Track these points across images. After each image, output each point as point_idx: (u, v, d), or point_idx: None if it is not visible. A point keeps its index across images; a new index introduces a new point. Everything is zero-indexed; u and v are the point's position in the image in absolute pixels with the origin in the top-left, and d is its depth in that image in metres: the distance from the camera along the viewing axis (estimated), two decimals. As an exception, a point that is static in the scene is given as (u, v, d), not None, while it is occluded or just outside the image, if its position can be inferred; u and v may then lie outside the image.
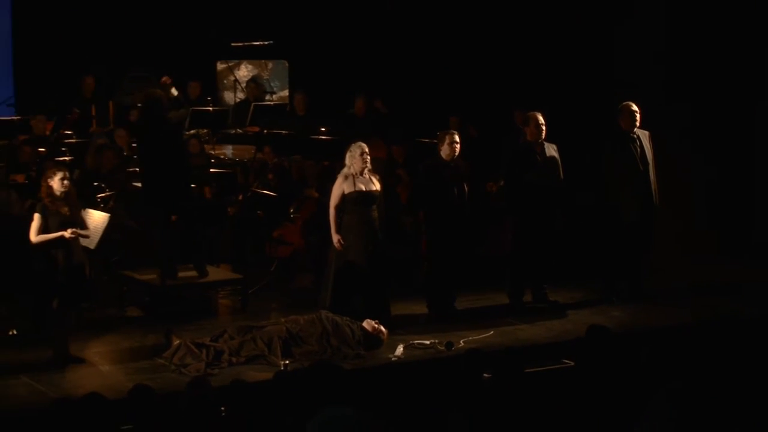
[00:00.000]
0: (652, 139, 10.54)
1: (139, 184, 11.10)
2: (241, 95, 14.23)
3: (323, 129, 12.70)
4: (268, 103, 14.06)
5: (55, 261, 8.79)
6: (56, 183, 8.79)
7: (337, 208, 9.70)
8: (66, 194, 8.84)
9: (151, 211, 10.57)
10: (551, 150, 10.36)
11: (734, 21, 12.23)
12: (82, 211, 9.15)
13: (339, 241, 9.65)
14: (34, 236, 8.77)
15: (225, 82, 14.51)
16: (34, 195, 9.60)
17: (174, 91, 10.75)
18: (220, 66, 14.70)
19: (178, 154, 10.70)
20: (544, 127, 10.26)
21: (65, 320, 9.00)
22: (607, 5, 12.54)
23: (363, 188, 9.71)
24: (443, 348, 9.21)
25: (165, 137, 10.51)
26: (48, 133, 12.64)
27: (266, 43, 14.21)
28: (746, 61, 12.38)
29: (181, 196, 10.52)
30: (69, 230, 8.76)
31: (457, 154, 10.09)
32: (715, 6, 12.18)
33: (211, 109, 13.00)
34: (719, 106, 12.38)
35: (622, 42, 12.60)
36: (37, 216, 8.77)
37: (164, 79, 10.82)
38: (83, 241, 8.97)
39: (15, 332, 9.55)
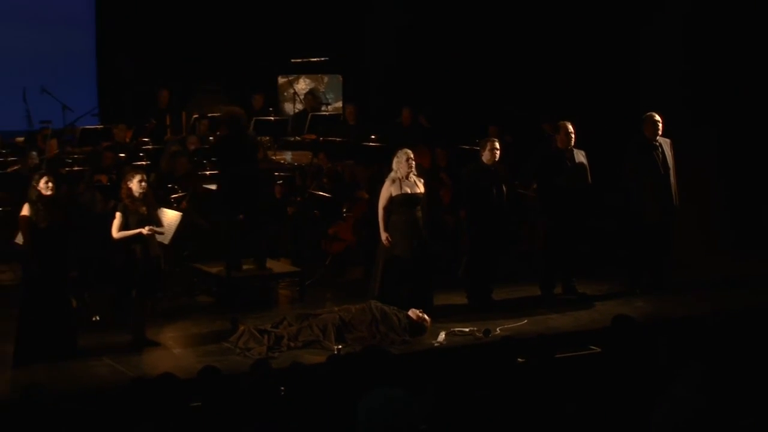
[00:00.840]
0: (673, 146, 10.44)
1: (212, 187, 11.23)
2: (299, 106, 14.27)
3: (373, 137, 12.69)
4: (324, 113, 14.09)
5: (134, 255, 8.88)
6: (135, 185, 8.88)
7: (385, 208, 9.69)
8: (144, 195, 8.92)
9: (225, 211, 10.60)
10: (580, 156, 10.32)
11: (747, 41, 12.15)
12: (158, 210, 9.23)
13: (387, 238, 9.66)
14: (115, 232, 8.87)
15: (285, 94, 14.56)
16: (116, 195, 9.69)
17: None
18: (281, 80, 14.75)
19: (252, 163, 10.85)
20: (573, 135, 10.24)
21: (142, 308, 9.10)
22: (633, 28, 12.47)
23: (408, 191, 9.71)
24: (481, 335, 9.19)
25: (244, 148, 10.64)
26: (128, 140, 12.75)
27: (322, 59, 14.23)
28: (759, 78, 12.27)
29: (252, 199, 10.62)
30: (146, 227, 8.85)
31: (497, 159, 10.08)
32: (731, 29, 12.09)
33: (272, 118, 13.05)
34: (737, 120, 12.27)
35: (646, 54, 12.55)
36: (118, 214, 8.87)
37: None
38: (158, 237, 9.05)
39: (98, 318, 9.63)
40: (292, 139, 13.34)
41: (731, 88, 12.16)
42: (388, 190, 9.70)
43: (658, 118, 10.35)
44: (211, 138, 12.88)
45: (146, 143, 12.75)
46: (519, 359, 6.76)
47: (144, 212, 8.92)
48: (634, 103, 11.69)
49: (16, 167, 11.65)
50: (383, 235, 9.69)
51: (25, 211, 8.62)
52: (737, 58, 12.14)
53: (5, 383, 8.14)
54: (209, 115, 13.48)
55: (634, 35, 12.50)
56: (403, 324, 9.22)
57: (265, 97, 13.87)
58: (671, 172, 10.38)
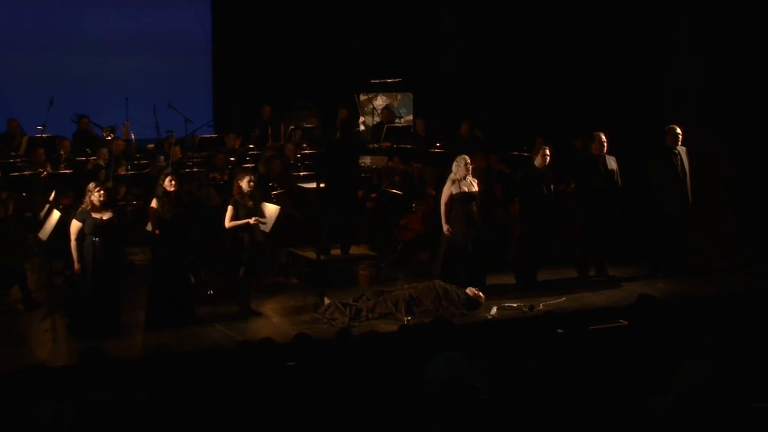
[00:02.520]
0: (690, 153, 10.29)
1: (306, 185, 11.28)
2: (377, 119, 14.27)
3: (437, 144, 12.67)
4: (397, 125, 14.07)
5: (242, 241, 8.97)
6: (244, 184, 8.97)
7: (447, 204, 9.66)
8: (251, 192, 9.02)
9: (328, 204, 10.61)
10: (611, 161, 10.21)
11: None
12: (261, 204, 9.32)
13: (448, 229, 9.64)
14: (228, 223, 8.95)
15: (365, 109, 14.58)
16: (227, 192, 9.80)
17: None
18: (362, 97, 14.76)
19: (355, 166, 11.00)
20: (606, 143, 10.15)
21: (248, 284, 9.19)
22: (660, 54, 12.28)
23: (466, 190, 9.68)
24: (527, 309, 9.13)
25: (353, 149, 10.80)
26: (237, 146, 12.84)
27: (396, 80, 14.25)
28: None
29: (351, 197, 10.70)
30: (253, 218, 8.93)
31: (547, 163, 10.00)
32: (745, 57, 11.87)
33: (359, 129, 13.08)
34: (746, 131, 12.03)
35: (671, 76, 12.37)
36: (230, 208, 8.96)
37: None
38: (261, 226, 9.12)
39: (211, 292, 9.73)
40: (371, 146, 13.36)
41: (742, 103, 11.92)
42: (449, 189, 9.67)
43: (678, 130, 10.23)
44: (304, 145, 12.96)
45: (252, 149, 12.85)
46: (559, 330, 6.69)
47: (251, 206, 8.99)
48: (658, 117, 11.53)
49: (147, 169, 11.82)
50: (445, 227, 9.67)
51: (154, 204, 8.75)
52: (748, 80, 11.90)
53: (138, 344, 8.27)
54: (303, 126, 13.58)
55: (661, 60, 12.30)
56: (462, 299, 9.19)
57: (348, 111, 13.91)
58: (687, 175, 10.25)
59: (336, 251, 10.61)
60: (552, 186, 10.09)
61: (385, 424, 4.34)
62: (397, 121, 14.34)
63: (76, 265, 8.48)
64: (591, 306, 9.37)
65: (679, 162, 10.24)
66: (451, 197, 9.65)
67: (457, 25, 14.87)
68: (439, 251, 9.94)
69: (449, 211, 9.66)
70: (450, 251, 9.71)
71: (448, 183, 9.70)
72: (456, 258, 9.69)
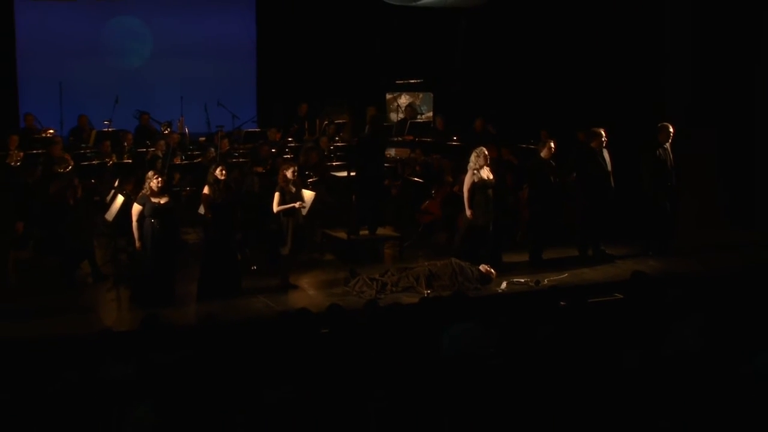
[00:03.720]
0: (682, 147, 10.26)
1: (338, 174, 11.25)
2: (401, 115, 14.20)
3: (454, 138, 12.60)
4: (419, 120, 13.99)
5: (286, 223, 8.98)
6: (289, 173, 8.97)
7: (469, 191, 9.57)
8: (294, 180, 9.03)
9: (357, 191, 10.61)
10: (606, 154, 10.12)
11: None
12: (301, 190, 9.31)
13: (471, 213, 9.57)
14: (276, 207, 8.93)
15: (391, 106, 14.52)
16: (268, 180, 9.78)
17: None
18: (388, 96, 14.70)
19: (383, 158, 11.01)
20: (605, 139, 10.05)
21: (288, 261, 9.20)
22: (655, 63, 12.10)
23: (485, 178, 9.59)
24: (533, 284, 9.08)
25: (381, 143, 10.79)
26: (278, 139, 12.82)
27: (419, 81, 14.19)
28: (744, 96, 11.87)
29: (379, 185, 10.69)
30: (298, 203, 8.94)
31: (552, 154, 9.91)
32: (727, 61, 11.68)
33: (385, 124, 12.99)
34: (730, 125, 11.83)
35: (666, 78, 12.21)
36: (277, 194, 8.94)
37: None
38: (302, 210, 9.14)
39: (255, 268, 9.71)
40: (396, 139, 13.31)
41: (726, 101, 11.73)
42: (470, 179, 9.58)
43: (671, 129, 10.14)
44: (336, 138, 12.94)
45: (290, 142, 12.83)
46: (561, 303, 6.66)
47: (293, 192, 9.00)
48: (649, 115, 11.37)
49: (199, 159, 11.85)
50: (468, 212, 9.57)
51: (206, 190, 8.77)
52: (730, 82, 11.71)
53: (191, 313, 8.31)
54: (335, 121, 13.54)
55: (657, 67, 12.11)
56: (475, 275, 9.14)
57: (376, 108, 13.86)
58: (672, 167, 10.19)
59: (364, 232, 10.57)
60: (556, 174, 9.99)
61: (406, 387, 4.33)
62: (418, 117, 14.28)
63: (137, 243, 8.52)
64: (590, 281, 9.28)
65: (668, 155, 10.15)
66: (473, 185, 9.57)
67: (473, 33, 14.75)
68: (458, 233, 9.88)
69: (472, 198, 9.59)
70: (471, 233, 9.65)
71: (469, 173, 9.61)
72: (476, 238, 9.62)
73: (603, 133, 10.05)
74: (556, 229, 10.38)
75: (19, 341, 7.38)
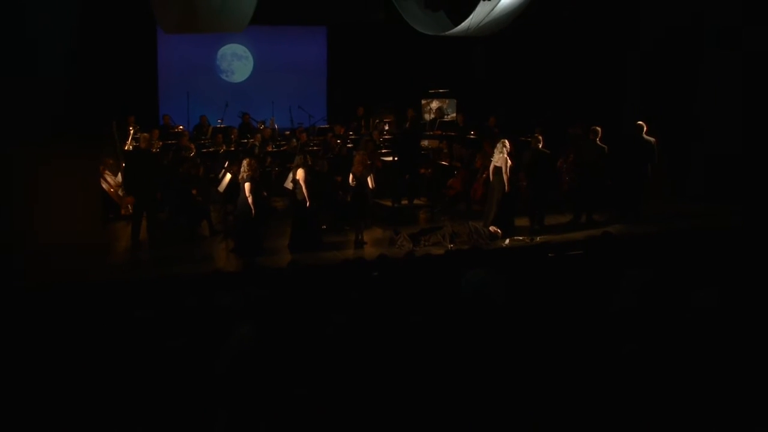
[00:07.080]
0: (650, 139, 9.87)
1: (387, 159, 11.15)
2: (432, 116, 13.99)
3: (472, 132, 12.37)
4: (446, 120, 13.79)
5: (361, 195, 8.98)
6: (360, 157, 8.98)
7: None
8: (363, 164, 9.00)
9: (399, 171, 10.53)
10: (600, 144, 9.85)
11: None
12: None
13: (518, 182, 9.42)
14: (352, 182, 8.95)
15: (425, 109, 14.30)
16: (335, 163, 9.70)
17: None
18: (423, 101, 14.48)
19: (418, 144, 10.99)
20: (599, 135, 9.81)
21: (359, 223, 9.15)
22: (622, 76, 11.68)
23: (510, 161, 9.33)
24: (529, 241, 8.94)
25: (418, 136, 10.77)
26: (342, 133, 12.75)
27: (446, 90, 13.92)
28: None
29: (415, 166, 10.63)
30: (370, 179, 8.93)
31: (541, 146, 9.61)
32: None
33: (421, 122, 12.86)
34: (675, 121, 11.36)
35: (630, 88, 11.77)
36: (352, 175, 8.97)
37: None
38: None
39: (325, 227, 9.56)
40: (428, 133, 13.15)
41: (672, 103, 11.31)
42: (509, 161, 9.25)
43: (644, 126, 9.82)
44: (385, 132, 12.78)
45: (351, 135, 12.69)
46: (550, 254, 6.51)
47: (363, 172, 8.96)
48: (620, 113, 11.02)
49: (284, 147, 11.83)
50: (510, 186, 9.21)
51: (300, 172, 8.73)
52: (675, 92, 11.26)
53: (285, 260, 8.26)
54: (384, 120, 13.39)
55: (625, 82, 11.70)
56: (486, 234, 9.04)
57: (414, 110, 13.67)
58: (645, 154, 9.85)
59: (405, 201, 10.50)
60: (549, 161, 9.69)
61: (433, 318, 4.26)
62: (445, 117, 14.06)
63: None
64: (572, 239, 9.06)
65: (644, 144, 9.79)
66: (510, 166, 9.27)
67: (486, 57, 14.42)
68: (489, 202, 9.45)
69: (511, 174, 9.31)
70: (502, 202, 9.25)
71: (507, 158, 9.23)
72: (505, 207, 9.23)
73: (599, 130, 9.87)
74: (555, 201, 10.13)
75: (156, 278, 7.50)
